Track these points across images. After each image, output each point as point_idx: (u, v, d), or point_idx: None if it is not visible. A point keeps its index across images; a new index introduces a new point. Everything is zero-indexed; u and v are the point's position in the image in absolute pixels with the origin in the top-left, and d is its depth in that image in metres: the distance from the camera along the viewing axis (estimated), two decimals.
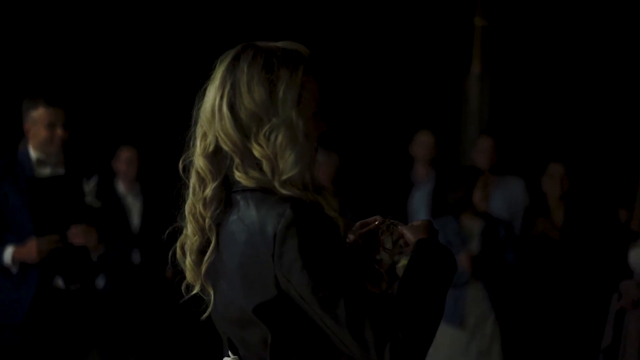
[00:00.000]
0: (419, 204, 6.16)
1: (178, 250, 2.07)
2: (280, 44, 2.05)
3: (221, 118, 1.99)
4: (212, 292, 2.04)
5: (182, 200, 2.07)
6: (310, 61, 2.03)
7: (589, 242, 5.50)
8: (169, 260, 2.08)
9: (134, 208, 6.41)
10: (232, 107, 1.98)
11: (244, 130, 1.98)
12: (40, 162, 4.56)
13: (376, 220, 2.20)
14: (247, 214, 1.98)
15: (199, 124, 2.04)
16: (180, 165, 2.08)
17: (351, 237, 2.20)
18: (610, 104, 7.26)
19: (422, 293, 1.94)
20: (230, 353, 2.10)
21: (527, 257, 5.62)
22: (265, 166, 1.97)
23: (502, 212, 6.00)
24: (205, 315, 2.07)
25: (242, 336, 2.04)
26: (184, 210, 2.06)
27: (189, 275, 2.07)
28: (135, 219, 6.37)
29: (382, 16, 7.52)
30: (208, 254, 2.03)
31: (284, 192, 1.95)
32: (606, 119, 7.24)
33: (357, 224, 2.22)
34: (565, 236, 5.65)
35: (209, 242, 2.03)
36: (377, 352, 1.87)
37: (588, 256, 5.47)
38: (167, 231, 2.10)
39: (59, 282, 4.56)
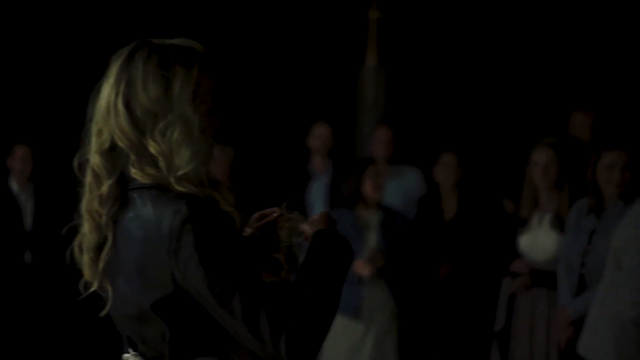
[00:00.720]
0: (317, 196, 6.23)
1: (75, 248, 2.07)
2: (175, 41, 2.07)
3: (117, 115, 2.00)
4: (110, 289, 2.05)
5: (78, 198, 2.07)
6: (205, 58, 2.05)
7: (481, 228, 5.62)
8: (67, 258, 2.08)
9: (27, 207, 6.31)
10: (127, 104, 2.00)
11: (139, 127, 1.99)
12: None
13: (274, 212, 2.24)
14: (143, 211, 1.99)
15: (94, 121, 2.04)
16: (76, 163, 2.07)
17: (248, 230, 2.23)
18: (501, 96, 7.45)
19: (318, 284, 1.98)
20: (129, 350, 2.11)
21: (421, 247, 5.72)
22: (161, 163, 1.99)
23: (397, 201, 6.12)
24: (104, 312, 2.08)
25: (140, 332, 2.05)
26: (81, 208, 2.06)
27: (86, 272, 2.06)
28: (28, 218, 6.27)
29: (277, 9, 7.55)
30: (105, 251, 2.03)
31: (179, 188, 1.97)
32: (496, 111, 7.41)
33: (255, 215, 2.25)
34: (457, 224, 5.77)
35: (106, 240, 2.03)
36: (273, 344, 1.91)
37: (480, 243, 5.60)
38: (64, 229, 2.10)
39: None
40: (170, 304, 1.98)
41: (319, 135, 6.62)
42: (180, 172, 1.98)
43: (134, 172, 2.01)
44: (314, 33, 7.57)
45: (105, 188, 2.02)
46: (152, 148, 1.98)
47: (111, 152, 2.03)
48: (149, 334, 2.03)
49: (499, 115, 7.37)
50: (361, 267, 5.38)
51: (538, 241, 4.97)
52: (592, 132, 5.89)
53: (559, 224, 4.85)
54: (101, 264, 2.04)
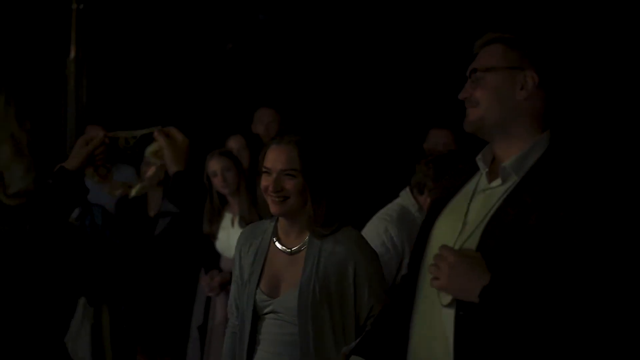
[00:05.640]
0: None
1: None
2: None
3: None
4: None
5: None
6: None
7: (185, 226, 5.70)
8: None
9: None
10: None
11: None
12: None
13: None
14: None
15: None
16: None
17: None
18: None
19: None
20: None
21: (130, 238, 5.74)
22: None
23: (108, 199, 6.16)
24: None
25: None
26: None
27: None
28: None
29: None
30: None
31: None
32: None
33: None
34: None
35: None
36: None
37: (183, 239, 5.67)
38: None
39: None
40: None
41: None
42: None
43: None
44: (18, 25, 7.36)
45: None
46: None
47: None
48: None
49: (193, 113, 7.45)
50: None
51: (231, 240, 5.15)
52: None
53: (246, 223, 5.05)
54: None
